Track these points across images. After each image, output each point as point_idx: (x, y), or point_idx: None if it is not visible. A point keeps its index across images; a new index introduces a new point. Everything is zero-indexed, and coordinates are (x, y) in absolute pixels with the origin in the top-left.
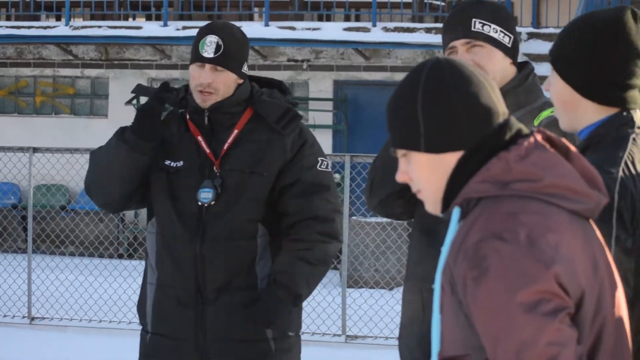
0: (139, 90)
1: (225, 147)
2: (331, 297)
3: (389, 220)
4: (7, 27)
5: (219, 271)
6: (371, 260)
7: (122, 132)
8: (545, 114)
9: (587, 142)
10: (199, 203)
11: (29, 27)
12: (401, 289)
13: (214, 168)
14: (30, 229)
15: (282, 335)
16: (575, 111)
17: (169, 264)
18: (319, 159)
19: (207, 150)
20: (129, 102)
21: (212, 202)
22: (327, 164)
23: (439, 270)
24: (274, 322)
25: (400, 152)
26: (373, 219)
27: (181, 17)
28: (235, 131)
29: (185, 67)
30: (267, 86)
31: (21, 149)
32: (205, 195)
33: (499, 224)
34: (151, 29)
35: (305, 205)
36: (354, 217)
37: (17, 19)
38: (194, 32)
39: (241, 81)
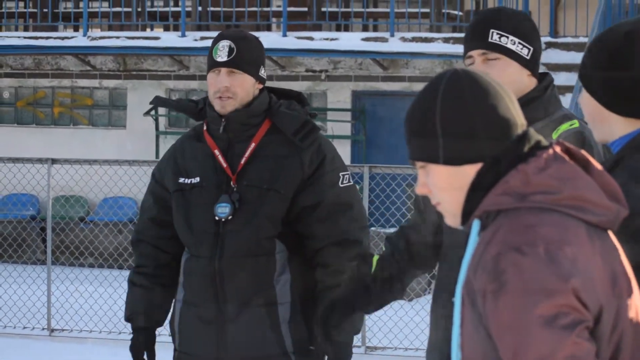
0: (157, 101)
1: (243, 161)
2: None
3: None
4: (25, 37)
5: (239, 288)
6: None
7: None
8: (564, 127)
9: (620, 155)
10: (216, 218)
11: (47, 38)
12: (420, 300)
13: (231, 183)
14: (50, 240)
15: (303, 349)
16: (604, 124)
17: (192, 282)
18: (340, 174)
19: (224, 165)
20: (147, 113)
21: (230, 217)
22: (349, 178)
23: (459, 283)
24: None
25: (418, 164)
26: (393, 230)
27: (199, 28)
28: (253, 144)
29: (203, 77)
30: (285, 97)
31: (40, 160)
32: (223, 210)
33: (518, 236)
34: (169, 39)
35: (332, 229)
36: (372, 228)
37: (35, 29)
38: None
39: (260, 86)
